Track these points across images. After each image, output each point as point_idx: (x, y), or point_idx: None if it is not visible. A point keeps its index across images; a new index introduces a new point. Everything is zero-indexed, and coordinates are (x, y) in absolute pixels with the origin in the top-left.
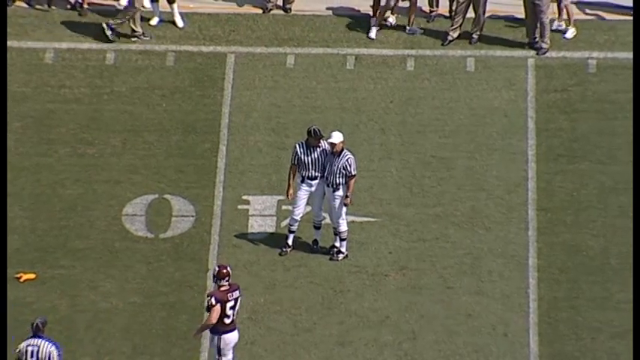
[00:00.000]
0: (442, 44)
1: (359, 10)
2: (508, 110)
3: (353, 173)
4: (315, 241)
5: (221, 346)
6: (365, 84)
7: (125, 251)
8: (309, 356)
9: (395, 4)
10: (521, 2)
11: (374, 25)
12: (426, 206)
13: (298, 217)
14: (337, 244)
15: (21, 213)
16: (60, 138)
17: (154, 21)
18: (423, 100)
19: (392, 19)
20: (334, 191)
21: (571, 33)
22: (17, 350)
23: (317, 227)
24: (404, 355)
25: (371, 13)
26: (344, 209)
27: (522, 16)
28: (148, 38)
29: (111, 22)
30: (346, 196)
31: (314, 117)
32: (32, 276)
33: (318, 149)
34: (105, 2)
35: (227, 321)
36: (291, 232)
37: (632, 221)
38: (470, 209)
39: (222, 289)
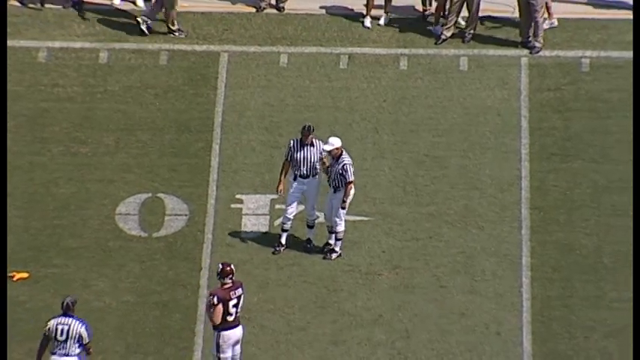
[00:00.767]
0: (435, 43)
1: (352, 9)
2: (501, 109)
3: (348, 180)
4: (309, 240)
5: (220, 343)
6: (358, 83)
7: (118, 250)
8: (303, 355)
9: (387, 3)
10: (515, 1)
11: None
12: (419, 205)
13: (291, 216)
14: (332, 241)
15: (14, 212)
16: (53, 137)
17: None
18: (417, 99)
19: (383, 20)
20: (334, 192)
21: (548, 24)
22: (47, 328)
23: (310, 226)
24: (397, 354)
25: (364, 11)
26: (343, 211)
27: (516, 15)
28: (184, 35)
29: (146, 18)
30: (343, 201)
31: (307, 116)
32: (25, 275)
33: (312, 148)
34: (101, 1)
35: (230, 318)
36: (284, 230)
37: (625, 220)
38: (463, 208)
39: (226, 286)
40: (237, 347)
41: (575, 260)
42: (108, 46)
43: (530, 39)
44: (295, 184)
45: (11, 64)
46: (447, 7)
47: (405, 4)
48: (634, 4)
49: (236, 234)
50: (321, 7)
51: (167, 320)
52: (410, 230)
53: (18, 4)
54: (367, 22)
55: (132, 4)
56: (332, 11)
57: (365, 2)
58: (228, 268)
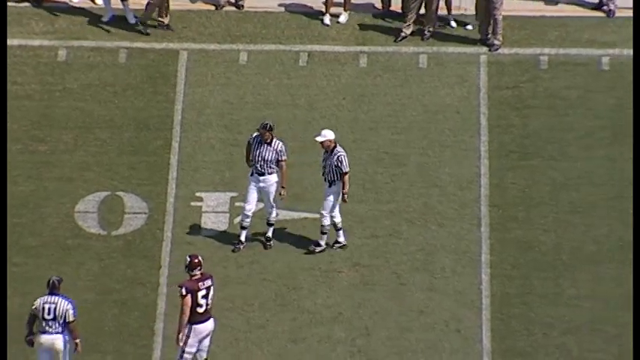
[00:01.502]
0: (395, 41)
1: (312, 7)
2: (460, 107)
3: (344, 170)
4: (268, 238)
5: (189, 336)
6: (317, 81)
7: (77, 248)
8: (262, 353)
9: (347, 0)
10: None
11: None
12: (378, 202)
13: (249, 213)
14: (340, 239)
15: None
16: (11, 135)
17: (106, 17)
18: (376, 96)
19: (342, 17)
20: (330, 186)
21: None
22: (33, 307)
23: (270, 224)
24: (357, 351)
25: (324, 9)
26: (337, 203)
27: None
28: (172, 30)
29: (139, 18)
30: (343, 194)
31: (266, 113)
32: None
33: (269, 146)
34: None
35: (200, 310)
36: (243, 228)
37: (583, 217)
38: (422, 206)
39: (194, 278)
40: (206, 340)
41: (534, 257)
42: (66, 44)
43: (489, 36)
44: (252, 179)
45: None
46: (407, 4)
47: (364, 1)
48: (634, 4)
49: (196, 232)
50: (280, 5)
51: (126, 319)
52: (369, 228)
53: None
54: (326, 19)
55: (90, 2)
56: (291, 9)
57: (324, 0)
58: (196, 260)
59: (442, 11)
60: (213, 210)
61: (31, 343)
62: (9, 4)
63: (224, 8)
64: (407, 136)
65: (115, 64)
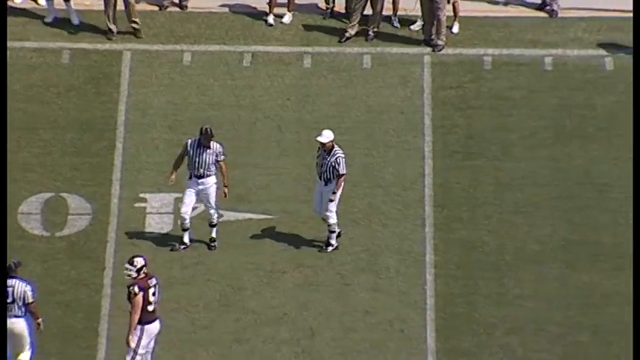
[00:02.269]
0: (339, 41)
1: (255, 8)
2: (404, 107)
3: (341, 172)
4: (212, 239)
5: (142, 337)
6: (262, 81)
7: (21, 250)
8: (207, 354)
9: (291, 1)
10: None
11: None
12: None
13: (186, 215)
14: (332, 242)
15: None
16: None
17: (49, 18)
18: (320, 97)
19: (286, 18)
20: (325, 185)
21: (457, 28)
22: None
23: (212, 225)
24: (301, 352)
25: (267, 9)
26: (333, 203)
27: (419, 13)
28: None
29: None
30: (333, 192)
31: (211, 114)
32: None
33: (208, 150)
34: None
35: (150, 308)
36: (184, 230)
37: (527, 217)
38: (367, 206)
39: (143, 278)
40: (152, 342)
41: (478, 258)
42: (9, 45)
43: (432, 37)
44: (190, 183)
45: None
46: (351, 5)
47: (308, 2)
48: (634, 4)
49: (140, 233)
50: (224, 6)
51: (70, 320)
52: (314, 228)
53: None
54: (270, 20)
55: (33, 3)
56: (235, 9)
57: (268, 0)
58: (144, 261)
59: (388, 12)
60: (158, 211)
61: None
62: None
63: (168, 9)
64: (351, 137)
65: (58, 65)
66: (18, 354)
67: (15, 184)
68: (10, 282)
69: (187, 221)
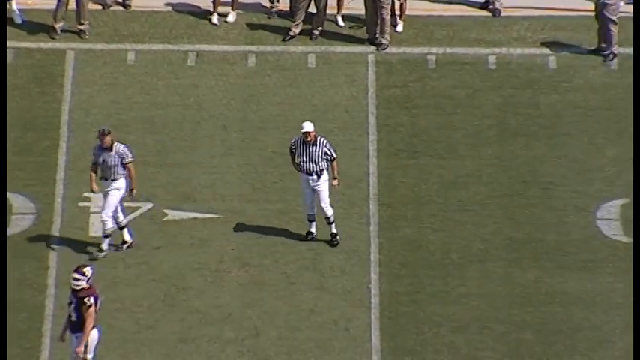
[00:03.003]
0: (283, 40)
1: (199, 7)
2: (349, 106)
3: (334, 156)
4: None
5: (91, 344)
6: (206, 80)
7: None
8: (151, 353)
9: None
10: None
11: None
12: (267, 202)
13: (107, 218)
14: (333, 232)
15: None
16: None
17: None
18: (265, 96)
19: (231, 17)
20: (319, 178)
21: (401, 27)
22: None
23: (121, 228)
24: (246, 351)
25: (212, 8)
26: (327, 195)
27: (363, 12)
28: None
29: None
30: (334, 178)
31: (155, 113)
32: None
33: (110, 152)
34: None
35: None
36: (106, 236)
37: (471, 215)
38: None
39: (91, 287)
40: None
41: (423, 256)
42: None
43: (377, 36)
44: (104, 186)
45: None
46: (295, 4)
47: (252, 1)
48: (634, 4)
49: (84, 232)
50: (167, 5)
51: (13, 320)
52: (259, 227)
53: None
54: (215, 19)
55: None
56: (179, 8)
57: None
58: (91, 269)
59: (332, 10)
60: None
61: None
62: None
63: (111, 7)
64: (296, 136)
65: None
66: None
67: None
68: None
69: (110, 223)
